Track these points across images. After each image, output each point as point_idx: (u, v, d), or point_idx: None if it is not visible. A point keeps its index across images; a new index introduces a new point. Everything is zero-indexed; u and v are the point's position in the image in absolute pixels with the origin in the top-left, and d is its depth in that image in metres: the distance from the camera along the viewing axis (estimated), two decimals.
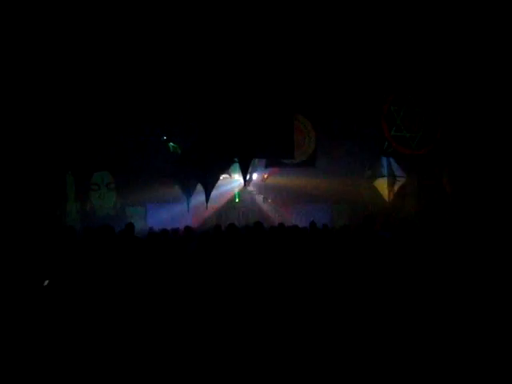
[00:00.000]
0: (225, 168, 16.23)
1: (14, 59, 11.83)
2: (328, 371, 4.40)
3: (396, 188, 18.08)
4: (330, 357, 4.53)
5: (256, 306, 5.03)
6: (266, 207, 20.46)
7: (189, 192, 15.81)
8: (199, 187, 15.56)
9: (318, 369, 4.42)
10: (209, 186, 15.45)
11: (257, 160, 17.23)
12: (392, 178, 18.25)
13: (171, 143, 16.91)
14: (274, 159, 15.93)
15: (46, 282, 5.15)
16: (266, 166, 17.24)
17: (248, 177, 15.91)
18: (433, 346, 4.56)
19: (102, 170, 17.79)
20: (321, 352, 4.58)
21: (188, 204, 16.04)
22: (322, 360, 4.50)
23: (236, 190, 20.12)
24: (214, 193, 15.74)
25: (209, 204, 15.74)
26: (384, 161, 17.94)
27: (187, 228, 9.39)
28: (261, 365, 4.56)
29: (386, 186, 18.34)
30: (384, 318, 4.75)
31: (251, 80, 12.93)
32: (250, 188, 20.14)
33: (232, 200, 20.33)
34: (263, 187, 20.43)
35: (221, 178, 16.95)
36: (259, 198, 20.64)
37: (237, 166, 15.00)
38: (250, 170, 15.40)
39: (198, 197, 16.08)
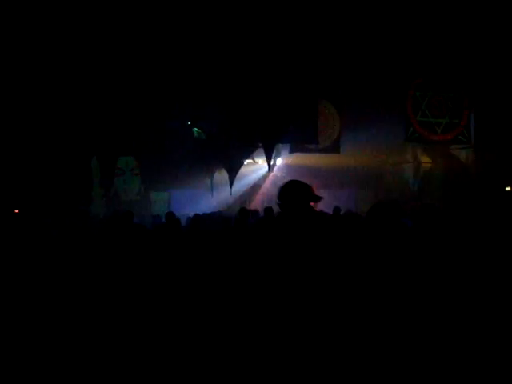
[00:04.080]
0: (249, 153, 16.24)
1: (42, 46, 11.99)
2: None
3: (421, 174, 17.95)
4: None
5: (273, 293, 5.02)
6: None
7: (213, 177, 15.86)
8: (223, 172, 15.63)
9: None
10: (233, 171, 15.51)
11: (281, 145, 17.20)
12: (417, 165, 18.13)
13: (196, 128, 16.90)
14: (298, 144, 15.88)
15: None
16: (291, 152, 17.20)
17: (272, 162, 15.90)
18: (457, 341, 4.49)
19: (126, 155, 17.87)
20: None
21: (212, 189, 16.09)
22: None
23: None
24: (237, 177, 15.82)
25: (233, 189, 15.82)
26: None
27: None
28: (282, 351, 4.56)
29: (410, 172, 18.24)
30: (402, 309, 4.69)
31: (275, 65, 12.89)
32: (274, 172, 20.09)
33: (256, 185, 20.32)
34: (288, 172, 20.35)
35: (245, 163, 16.97)
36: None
37: (261, 151, 15.02)
38: (273, 155, 15.40)
39: (222, 182, 16.14)
